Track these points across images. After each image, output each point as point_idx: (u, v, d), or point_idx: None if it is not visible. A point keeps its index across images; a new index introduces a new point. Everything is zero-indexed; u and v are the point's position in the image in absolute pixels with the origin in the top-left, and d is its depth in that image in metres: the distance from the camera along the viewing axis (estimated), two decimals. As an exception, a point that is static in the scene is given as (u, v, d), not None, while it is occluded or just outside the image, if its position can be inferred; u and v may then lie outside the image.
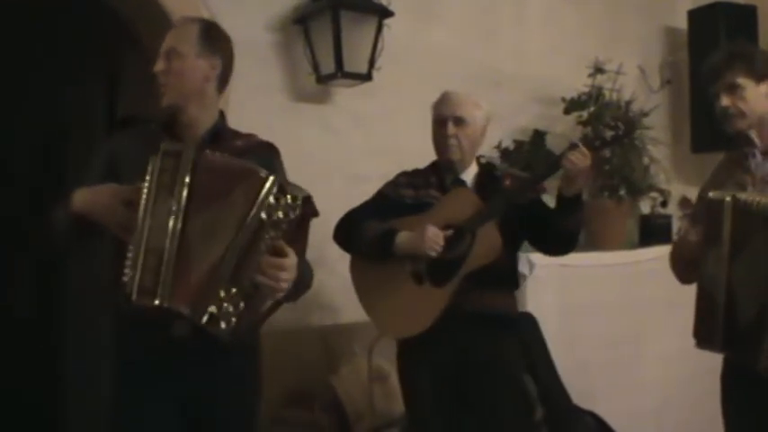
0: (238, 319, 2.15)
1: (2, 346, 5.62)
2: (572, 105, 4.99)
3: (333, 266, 3.52)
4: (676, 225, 5.34)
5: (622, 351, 4.70)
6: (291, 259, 2.20)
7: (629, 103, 5.02)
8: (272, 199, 2.13)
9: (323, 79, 4.16)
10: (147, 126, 2.56)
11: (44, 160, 5.54)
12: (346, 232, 3.20)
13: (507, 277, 3.18)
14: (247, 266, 2.14)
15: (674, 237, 5.25)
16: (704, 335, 2.56)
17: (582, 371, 4.17)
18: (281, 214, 2.13)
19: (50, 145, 5.46)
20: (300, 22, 4.18)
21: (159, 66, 2.50)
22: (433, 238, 2.97)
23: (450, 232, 3.01)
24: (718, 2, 5.43)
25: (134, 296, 2.13)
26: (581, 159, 2.89)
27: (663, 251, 5.05)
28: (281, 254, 2.18)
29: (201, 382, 2.41)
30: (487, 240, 2.99)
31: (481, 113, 3.20)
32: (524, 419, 3.15)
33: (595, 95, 4.98)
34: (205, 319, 2.12)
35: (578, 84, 4.97)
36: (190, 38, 2.49)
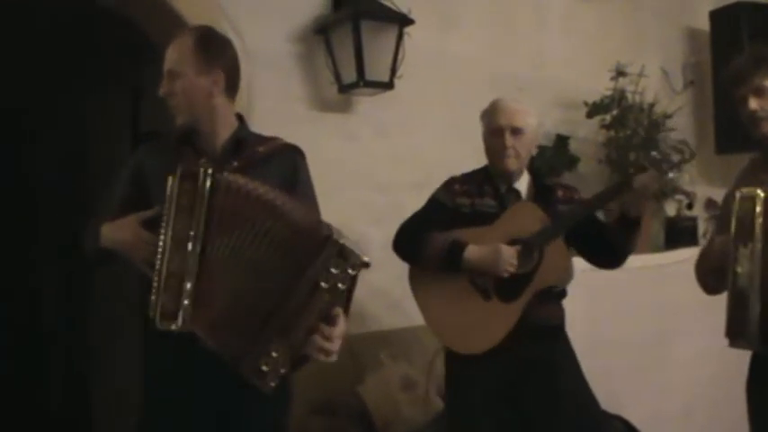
0: (283, 376, 2.13)
1: (29, 359, 5.69)
2: (595, 109, 4.98)
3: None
4: (702, 227, 5.32)
5: (649, 354, 4.69)
6: (341, 327, 2.15)
7: (651, 105, 5.01)
8: (333, 269, 2.07)
9: (345, 89, 4.17)
10: (169, 140, 2.57)
11: (70, 173, 5.59)
12: (409, 244, 3.14)
13: (560, 288, 3.20)
14: (299, 328, 2.10)
15: (701, 239, 5.24)
16: (738, 333, 2.54)
17: (608, 375, 4.15)
18: (340, 285, 2.09)
19: (76, 158, 5.51)
20: (321, 32, 4.19)
21: (163, 89, 2.51)
22: (508, 259, 2.97)
23: (519, 248, 3.01)
24: (740, 2, 5.41)
25: (157, 320, 2.14)
26: (652, 182, 2.91)
27: (689, 254, 5.06)
28: (333, 322, 2.13)
29: (231, 396, 2.41)
30: (557, 259, 3.00)
31: (535, 121, 3.19)
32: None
33: (618, 98, 4.98)
34: (254, 373, 2.10)
35: (600, 87, 4.96)
36: (186, 55, 2.47)
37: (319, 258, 2.07)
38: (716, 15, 5.58)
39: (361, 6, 4.06)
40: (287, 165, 2.55)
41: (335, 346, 2.14)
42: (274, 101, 3.97)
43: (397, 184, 4.22)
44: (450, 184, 3.24)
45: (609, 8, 5.43)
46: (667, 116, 4.97)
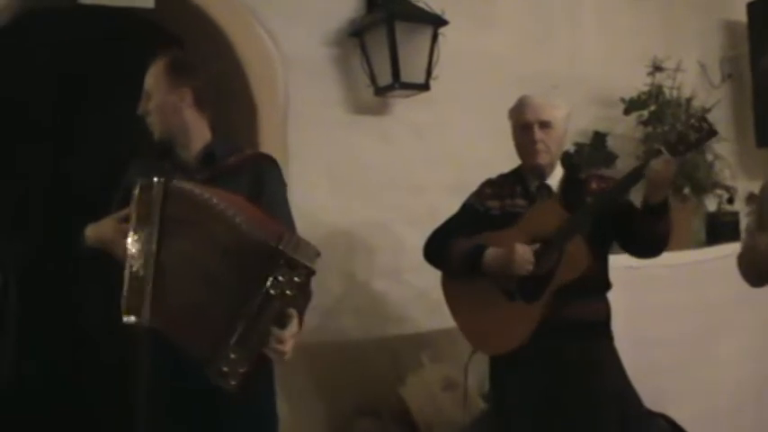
0: (243, 375, 2.27)
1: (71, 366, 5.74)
2: (632, 105, 4.94)
3: (400, 277, 3.53)
4: (744, 222, 5.26)
5: (692, 352, 4.64)
6: (293, 329, 2.35)
7: (689, 100, 4.96)
8: (280, 277, 2.23)
9: (381, 91, 4.17)
10: (152, 156, 2.77)
11: (106, 186, 5.64)
12: (435, 250, 3.19)
13: (599, 283, 3.15)
14: (253, 332, 2.25)
15: (742, 234, 5.17)
16: None
17: (651, 373, 4.11)
18: (288, 292, 2.24)
19: (112, 170, 5.56)
20: (356, 35, 4.20)
21: (140, 108, 2.74)
22: (524, 257, 2.96)
23: (537, 246, 3.00)
24: (778, -7, 5.35)
25: (123, 315, 2.36)
26: (665, 167, 2.84)
27: (731, 249, 4.98)
28: (284, 325, 2.31)
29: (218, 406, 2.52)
30: (575, 255, 2.96)
31: (563, 114, 3.17)
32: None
33: (655, 94, 4.93)
34: (216, 374, 2.25)
35: (637, 83, 4.92)
36: (158, 77, 2.71)
37: (267, 269, 2.22)
38: (753, 7, 5.51)
39: (395, 8, 4.07)
40: (253, 175, 2.69)
41: (287, 346, 2.32)
42: (310, 105, 3.99)
43: (433, 185, 4.21)
44: (482, 187, 3.28)
45: (644, 3, 5.39)
46: (706, 110, 4.91)
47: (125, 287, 2.37)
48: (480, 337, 3.16)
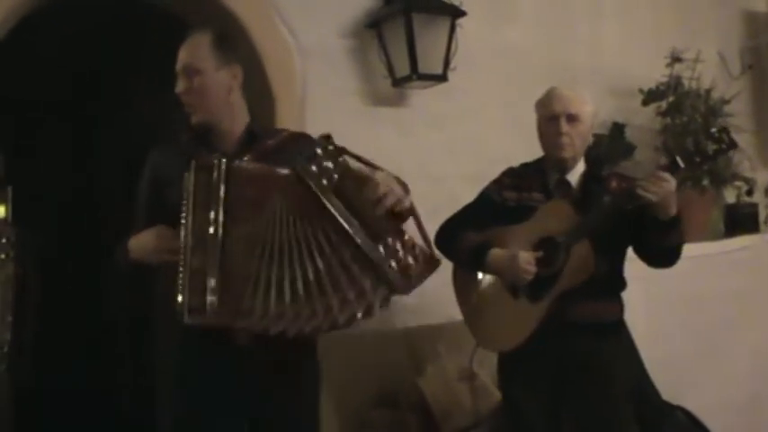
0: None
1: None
2: (650, 96, 4.93)
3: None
4: (763, 213, 5.24)
5: (710, 344, 4.63)
6: (377, 176, 2.30)
7: (708, 91, 4.94)
8: (314, 167, 2.22)
9: (398, 82, 4.18)
10: (182, 141, 2.59)
11: (127, 177, 5.67)
12: (445, 241, 3.15)
13: (611, 284, 3.10)
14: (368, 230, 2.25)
15: (762, 225, 5.15)
16: None
17: (670, 364, 4.11)
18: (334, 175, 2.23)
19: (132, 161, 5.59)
20: (373, 26, 4.20)
21: (180, 86, 2.50)
22: (524, 266, 2.94)
23: (540, 254, 2.97)
24: (799, -18, 5.31)
25: (185, 317, 2.18)
26: (662, 187, 2.77)
27: (750, 240, 5.00)
28: (363, 184, 2.26)
29: (267, 394, 2.46)
30: (581, 260, 2.93)
31: (591, 109, 3.13)
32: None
33: (674, 85, 4.91)
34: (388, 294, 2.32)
35: (656, 74, 4.91)
36: (204, 51, 2.48)
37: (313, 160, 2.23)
38: (774, -3, 5.48)
39: (412, -1, 4.06)
40: (294, 154, 2.44)
41: (390, 189, 2.30)
42: (328, 96, 4.00)
43: (451, 176, 4.21)
44: (502, 176, 3.26)
45: (663, -6, 5.37)
46: (725, 101, 4.90)
47: (181, 284, 2.18)
48: (482, 333, 3.18)
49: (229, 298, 2.18)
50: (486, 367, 3.54)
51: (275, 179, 2.25)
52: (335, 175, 2.22)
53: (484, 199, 3.24)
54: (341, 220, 2.23)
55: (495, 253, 3.03)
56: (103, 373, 6.02)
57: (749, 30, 5.71)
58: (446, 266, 3.26)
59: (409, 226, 2.38)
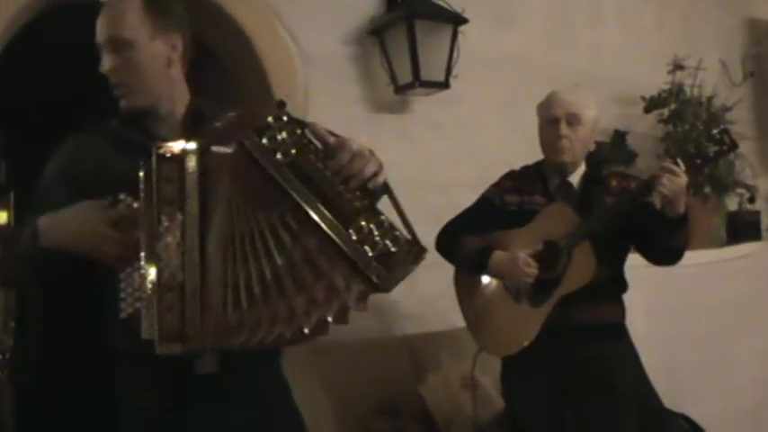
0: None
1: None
2: (652, 104, 4.94)
3: (416, 276, 3.52)
4: (765, 221, 5.23)
5: (713, 352, 4.62)
6: (346, 145, 1.84)
7: (710, 98, 4.94)
8: (278, 137, 1.77)
9: (401, 89, 4.17)
10: (110, 126, 2.13)
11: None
12: (446, 244, 3.17)
13: (612, 287, 3.09)
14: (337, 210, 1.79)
15: (764, 233, 5.15)
16: None
17: (672, 372, 4.11)
18: (292, 150, 1.79)
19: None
20: (376, 33, 4.20)
21: (106, 64, 2.03)
22: (525, 268, 2.94)
23: (540, 247, 2.98)
24: (801, -10, 5.32)
25: (158, 347, 1.73)
26: (675, 182, 2.75)
27: (752, 248, 4.99)
28: (328, 156, 1.81)
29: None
30: (581, 263, 2.93)
31: (593, 114, 3.12)
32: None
33: (676, 92, 4.92)
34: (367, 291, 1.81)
35: (658, 81, 4.91)
36: (134, 18, 2.01)
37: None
38: (775, 5, 5.49)
39: (414, 6, 4.07)
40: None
41: (360, 154, 1.86)
42: (330, 103, 3.99)
43: (454, 183, 4.21)
44: (503, 180, 3.25)
45: (665, 0, 5.37)
46: (727, 109, 4.91)
47: (149, 306, 1.74)
48: (484, 337, 3.17)
49: (210, 317, 1.75)
50: (489, 375, 3.53)
51: (221, 160, 1.78)
52: (293, 150, 1.78)
53: (484, 203, 3.24)
54: (301, 203, 1.77)
55: (498, 255, 3.02)
56: (103, 373, 6.00)
57: (751, 37, 5.72)
58: (447, 272, 3.27)
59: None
